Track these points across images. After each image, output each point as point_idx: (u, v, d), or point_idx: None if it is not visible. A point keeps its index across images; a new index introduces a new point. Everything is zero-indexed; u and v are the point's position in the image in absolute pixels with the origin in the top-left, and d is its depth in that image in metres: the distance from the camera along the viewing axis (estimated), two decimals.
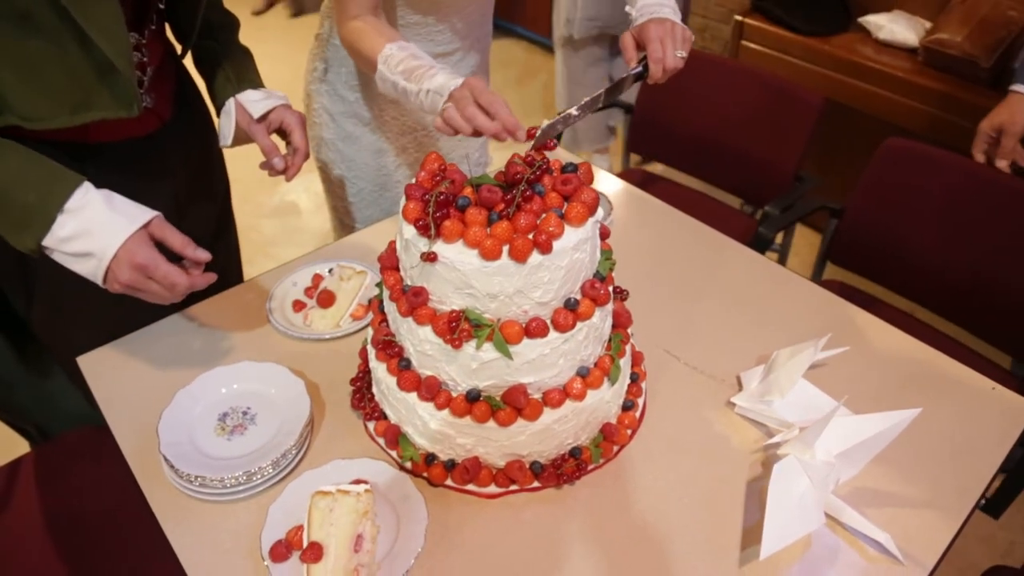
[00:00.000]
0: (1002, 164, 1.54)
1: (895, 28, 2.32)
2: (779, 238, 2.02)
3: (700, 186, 2.23)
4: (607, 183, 1.60)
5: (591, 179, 0.92)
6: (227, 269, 1.37)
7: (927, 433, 1.02)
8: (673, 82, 1.98)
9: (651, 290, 1.27)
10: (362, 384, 1.04)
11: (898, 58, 2.28)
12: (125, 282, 0.90)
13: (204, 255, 0.94)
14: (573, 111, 1.06)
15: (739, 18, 2.57)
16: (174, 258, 0.94)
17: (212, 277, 0.96)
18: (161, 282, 0.91)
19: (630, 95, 2.07)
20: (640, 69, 1.16)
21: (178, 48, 1.19)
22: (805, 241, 2.77)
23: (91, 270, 0.90)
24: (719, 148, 2.06)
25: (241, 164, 1.41)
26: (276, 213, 3.03)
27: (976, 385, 1.12)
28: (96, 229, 0.89)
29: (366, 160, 1.51)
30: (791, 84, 1.92)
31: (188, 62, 1.23)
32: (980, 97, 2.05)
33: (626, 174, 2.28)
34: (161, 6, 1.05)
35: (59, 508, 1.25)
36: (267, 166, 1.15)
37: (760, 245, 1.73)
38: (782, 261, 1.98)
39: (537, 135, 0.97)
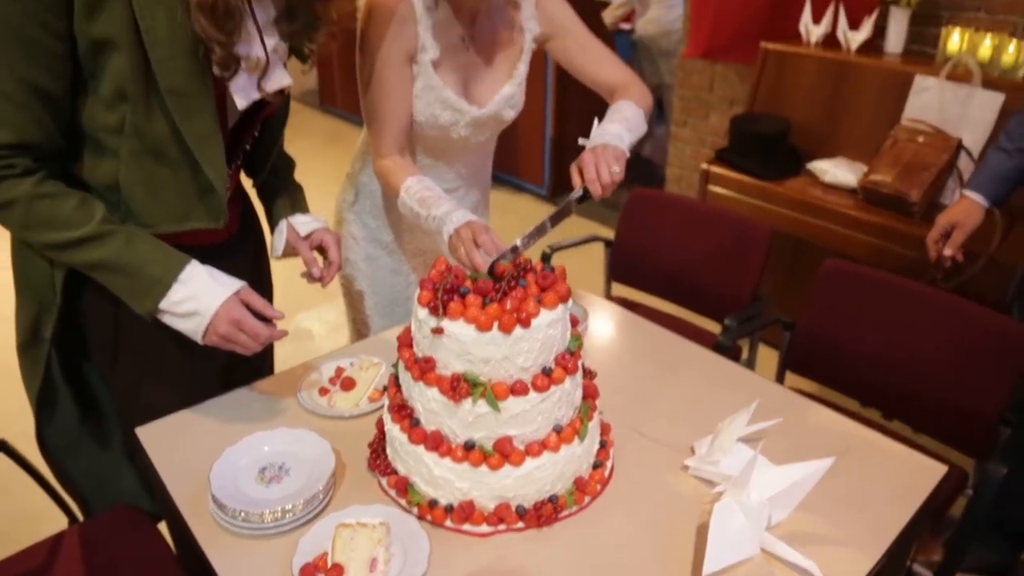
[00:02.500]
0: (948, 253, 1.90)
1: (837, 172, 2.68)
2: (745, 352, 2.27)
3: (675, 311, 2.49)
4: (586, 297, 1.86)
5: (564, 277, 1.18)
6: (264, 361, 1.62)
7: (849, 487, 1.22)
8: (647, 219, 2.29)
9: (621, 379, 1.50)
10: (378, 447, 1.25)
11: (842, 197, 2.63)
12: (222, 334, 1.18)
13: (279, 314, 1.24)
14: (518, 242, 1.24)
15: (705, 167, 2.95)
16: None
17: (285, 332, 1.25)
18: (248, 333, 1.19)
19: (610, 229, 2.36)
20: (581, 193, 1.37)
21: (247, 181, 1.52)
22: (774, 360, 3.00)
23: (194, 326, 1.17)
24: (688, 274, 2.34)
25: None
26: (292, 338, 3.29)
27: (895, 451, 1.34)
28: (201, 294, 1.17)
29: (383, 278, 1.79)
30: (744, 218, 2.24)
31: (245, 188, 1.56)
32: (912, 227, 2.37)
33: (608, 299, 2.55)
34: (248, 147, 1.38)
35: None
36: (307, 275, 1.44)
37: (721, 353, 1.96)
38: None
39: (488, 267, 1.21)
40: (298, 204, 1.52)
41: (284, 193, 1.52)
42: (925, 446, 1.53)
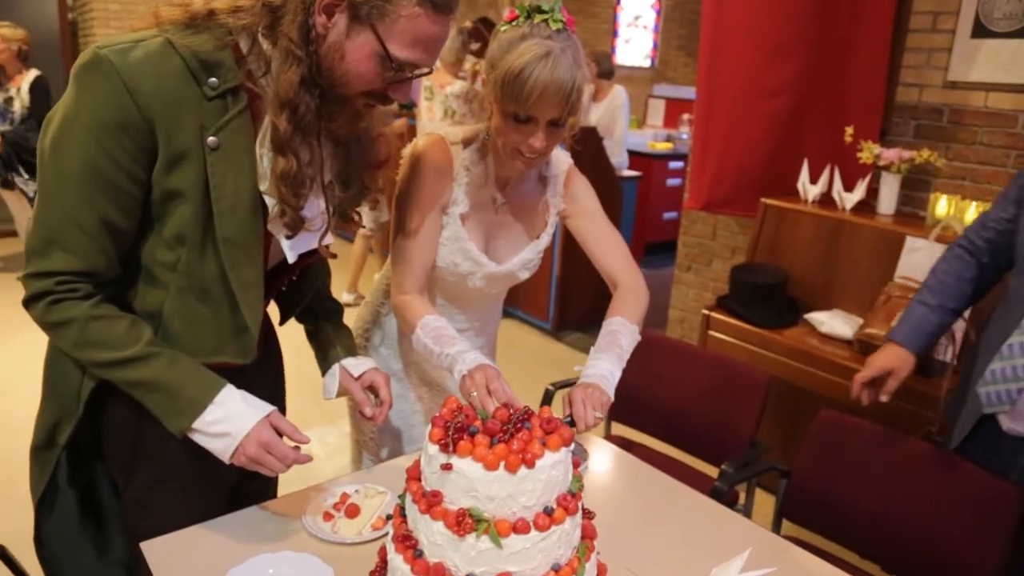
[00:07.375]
0: (884, 399, 1.90)
1: (834, 323, 2.79)
2: (742, 498, 2.29)
3: (674, 452, 2.53)
4: (587, 437, 1.92)
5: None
6: (269, 483, 1.67)
7: None
8: (648, 362, 2.39)
9: (617, 520, 1.53)
10: (379, 575, 1.28)
11: (838, 347, 2.72)
12: (251, 455, 1.24)
13: (306, 439, 1.31)
14: None
15: (706, 312, 3.06)
16: None
17: (310, 457, 1.31)
18: (276, 455, 1.25)
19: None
20: (570, 420, 1.50)
21: (276, 317, 1.63)
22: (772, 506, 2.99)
23: (224, 446, 1.24)
24: (687, 418, 2.40)
25: None
26: None
27: None
28: (234, 416, 1.24)
29: None
30: (743, 365, 2.32)
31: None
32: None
33: (608, 438, 2.60)
34: (284, 288, 1.50)
35: None
36: (360, 413, 1.55)
37: (716, 498, 1.99)
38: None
39: None
40: (348, 348, 1.63)
41: (335, 338, 1.63)
42: None
